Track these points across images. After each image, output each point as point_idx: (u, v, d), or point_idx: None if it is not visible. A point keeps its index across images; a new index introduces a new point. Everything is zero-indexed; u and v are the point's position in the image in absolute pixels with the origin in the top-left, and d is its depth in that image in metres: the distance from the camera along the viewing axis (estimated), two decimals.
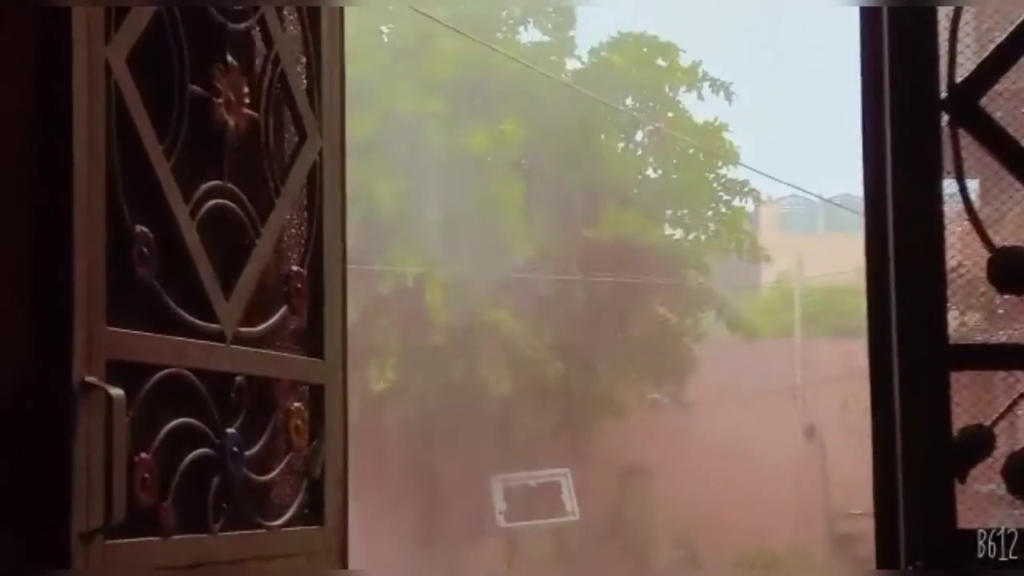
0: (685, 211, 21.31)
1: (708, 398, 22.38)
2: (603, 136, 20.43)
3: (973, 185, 2.73)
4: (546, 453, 21.20)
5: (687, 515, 22.69)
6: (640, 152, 21.35)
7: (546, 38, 21.04)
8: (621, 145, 20.79)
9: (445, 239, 19.04)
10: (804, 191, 26.09)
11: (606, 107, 20.15)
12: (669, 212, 21.36)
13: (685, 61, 21.09)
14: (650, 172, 21.23)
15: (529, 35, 21.00)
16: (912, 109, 2.53)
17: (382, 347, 18.97)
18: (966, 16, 2.56)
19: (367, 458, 19.66)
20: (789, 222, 40.44)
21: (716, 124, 21.10)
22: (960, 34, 2.54)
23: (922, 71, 2.54)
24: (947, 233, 2.67)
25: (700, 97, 21.07)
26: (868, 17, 2.57)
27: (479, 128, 18.88)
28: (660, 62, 21.02)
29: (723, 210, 21.26)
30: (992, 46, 2.56)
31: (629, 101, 20.78)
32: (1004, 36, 2.56)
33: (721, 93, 21.06)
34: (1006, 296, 2.62)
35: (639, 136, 21.28)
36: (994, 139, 2.57)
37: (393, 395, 19.18)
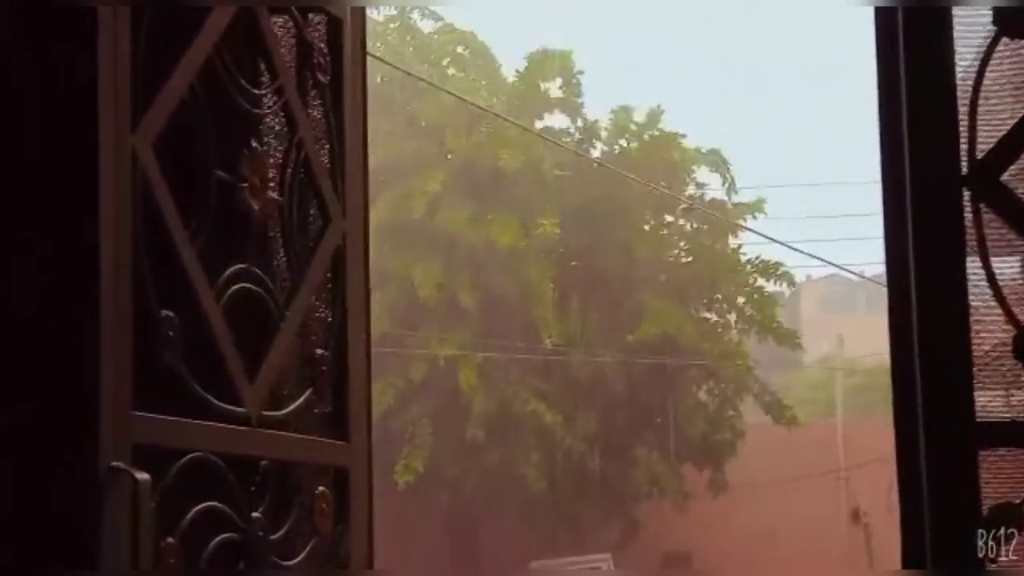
0: (719, 295, 21.24)
1: (750, 482, 22.20)
2: (634, 219, 20.46)
3: (1013, 262, 2.71)
4: (587, 539, 21.04)
5: None
6: (666, 233, 21.32)
7: (566, 123, 21.14)
8: (648, 227, 20.81)
9: (480, 324, 19.06)
10: (845, 269, 25.96)
11: (635, 190, 20.17)
12: (704, 298, 21.29)
13: (706, 143, 21.19)
14: (681, 255, 21.19)
15: (551, 120, 21.14)
16: (933, 186, 2.53)
17: (416, 435, 18.93)
18: (984, 92, 2.56)
19: (408, 544, 19.60)
20: (830, 302, 40.29)
21: (748, 203, 21.08)
22: (980, 110, 2.54)
23: (942, 148, 2.54)
24: (974, 311, 2.65)
25: (726, 183, 21.07)
26: (886, 92, 2.58)
27: (511, 220, 18.91)
28: (683, 146, 21.06)
29: (754, 295, 21.15)
30: (1012, 122, 2.56)
31: (657, 184, 20.85)
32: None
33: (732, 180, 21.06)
34: None
35: (668, 219, 21.31)
36: (1017, 215, 2.56)
37: (430, 483, 19.09)
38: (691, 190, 21.41)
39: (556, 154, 19.96)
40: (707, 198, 21.44)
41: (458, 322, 19.04)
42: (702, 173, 21.48)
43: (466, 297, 18.84)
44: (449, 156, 19.82)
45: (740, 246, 21.32)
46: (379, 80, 18.75)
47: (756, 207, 21.13)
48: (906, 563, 2.52)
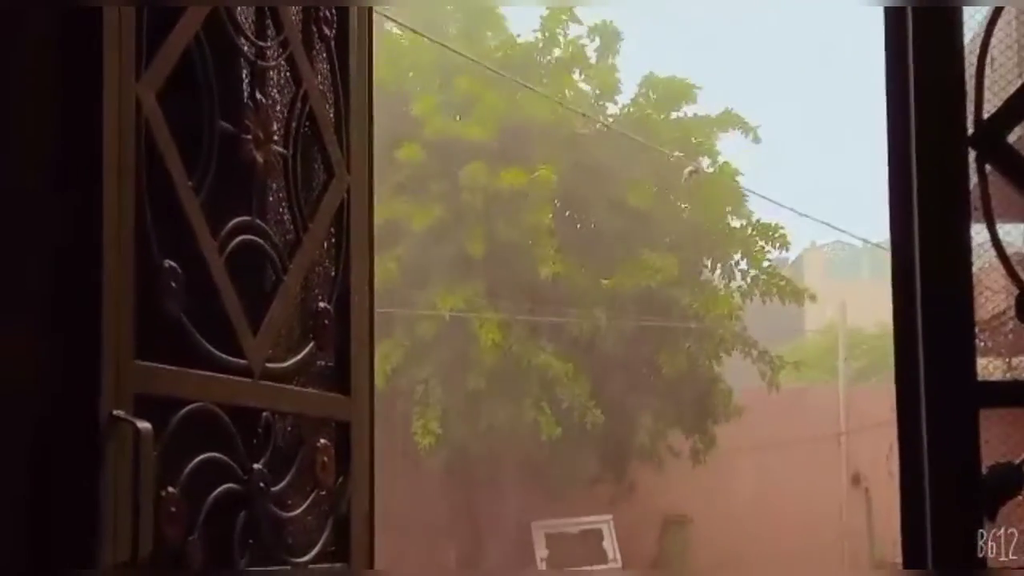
0: (719, 256, 21.25)
1: (752, 445, 22.27)
2: (640, 180, 20.45)
3: (1020, 226, 2.71)
4: (587, 500, 21.11)
5: (729, 563, 22.51)
6: (674, 198, 21.32)
7: (585, 86, 21.13)
8: (655, 190, 20.79)
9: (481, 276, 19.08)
10: (849, 234, 25.98)
11: (642, 150, 20.18)
12: (706, 258, 21.29)
13: (720, 106, 21.15)
14: (685, 215, 21.17)
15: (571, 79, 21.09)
16: (938, 146, 2.52)
17: (424, 390, 19.00)
18: (993, 52, 2.55)
19: (407, 503, 19.69)
20: (834, 267, 40.28)
21: (750, 168, 21.07)
22: (987, 70, 2.53)
23: (949, 108, 2.53)
24: (981, 274, 2.65)
25: (750, 136, 21.02)
26: (893, 55, 2.57)
27: (518, 169, 18.95)
28: (695, 109, 21.08)
29: (758, 258, 21.16)
30: (1020, 81, 2.56)
31: (665, 148, 20.82)
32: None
33: (750, 136, 21.07)
34: None
35: (675, 181, 21.29)
36: (1021, 175, 2.55)
37: (437, 439, 19.14)
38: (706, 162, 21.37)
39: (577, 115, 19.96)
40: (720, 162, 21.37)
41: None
42: (721, 140, 21.47)
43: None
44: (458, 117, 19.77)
45: (748, 214, 21.28)
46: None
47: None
48: (905, 520, 2.53)
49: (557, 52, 20.93)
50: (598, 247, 19.96)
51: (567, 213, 20.34)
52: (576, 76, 21.06)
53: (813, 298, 21.88)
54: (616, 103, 21.44)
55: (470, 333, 18.90)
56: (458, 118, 19.61)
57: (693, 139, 21.19)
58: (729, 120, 21.33)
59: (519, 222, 19.05)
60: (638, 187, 20.13)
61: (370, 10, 3.25)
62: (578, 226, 20.48)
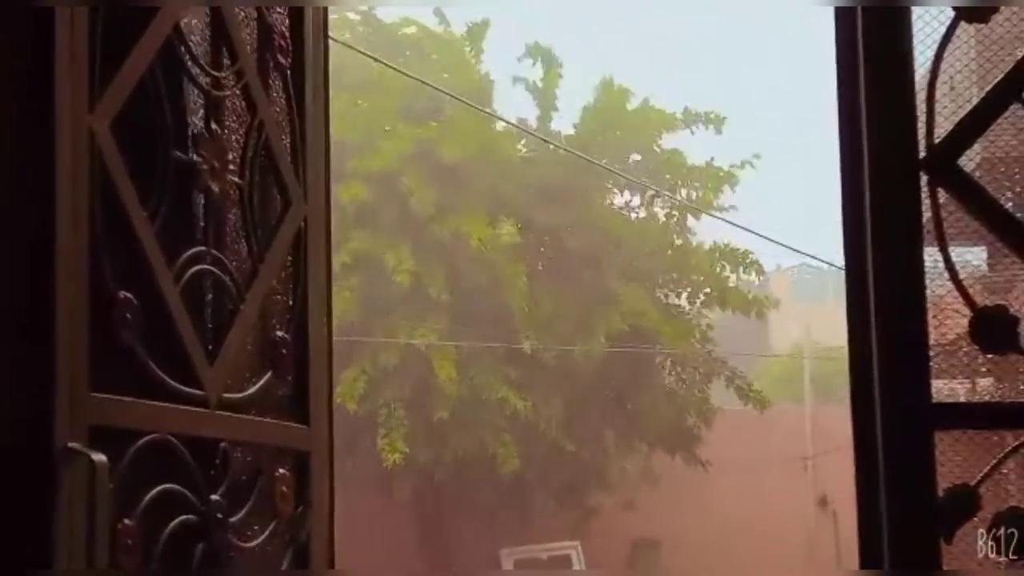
0: (687, 282, 21.27)
1: (719, 468, 22.28)
2: (602, 202, 20.44)
3: (979, 252, 2.73)
4: (555, 526, 21.08)
5: None
6: (636, 219, 21.32)
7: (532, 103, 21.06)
8: (622, 211, 20.80)
9: (449, 311, 19.02)
10: (815, 258, 26.08)
11: (601, 172, 20.14)
12: (672, 283, 21.31)
13: (677, 112, 21.08)
14: (648, 241, 21.15)
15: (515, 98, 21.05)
16: (889, 170, 2.54)
17: (388, 420, 18.91)
18: (943, 76, 2.57)
19: (376, 530, 19.60)
20: (799, 291, 40.43)
21: (719, 172, 21.01)
22: (937, 94, 2.55)
23: (900, 131, 2.55)
24: (938, 300, 2.67)
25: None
26: (845, 78, 2.59)
27: (477, 211, 18.84)
28: (651, 119, 20.99)
29: (726, 282, 21.21)
30: (969, 106, 2.58)
31: (629, 159, 20.77)
32: (981, 97, 2.58)
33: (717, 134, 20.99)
34: (989, 356, 2.61)
35: (636, 201, 21.31)
36: (973, 198, 2.57)
37: (402, 468, 19.05)
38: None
39: (521, 136, 19.93)
40: (688, 163, 21.27)
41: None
42: (677, 137, 21.37)
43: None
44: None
45: (711, 242, 21.29)
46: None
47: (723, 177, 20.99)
48: (863, 543, 2.54)
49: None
50: (565, 272, 19.93)
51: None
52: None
53: (776, 304, 21.94)
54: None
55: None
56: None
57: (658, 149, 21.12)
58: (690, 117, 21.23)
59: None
60: (603, 210, 20.14)
61: (326, 37, 3.25)
62: (541, 249, 20.42)
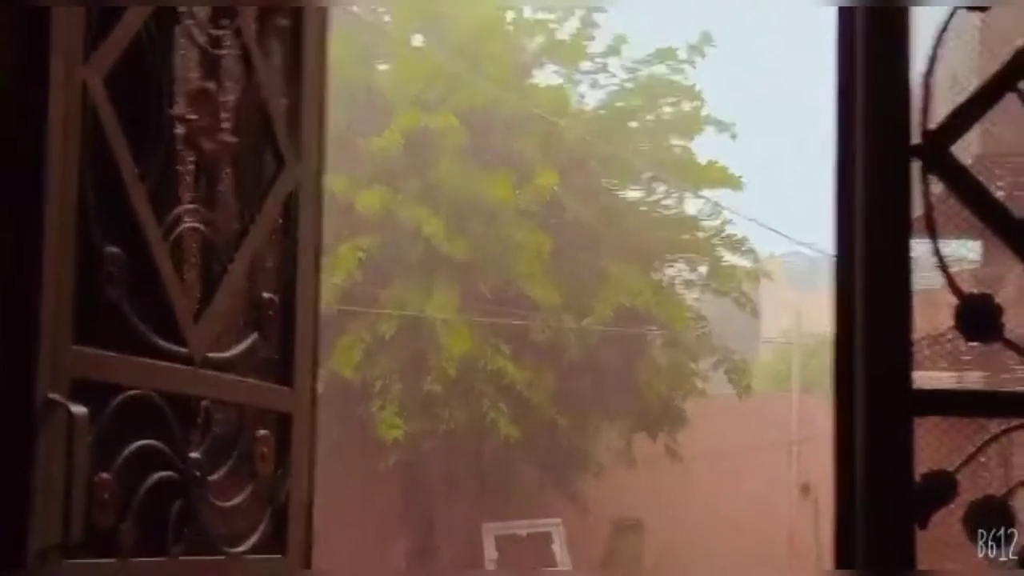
0: (683, 264, 21.32)
1: (704, 451, 22.32)
2: (612, 183, 20.45)
3: (975, 245, 2.73)
4: (538, 503, 21.11)
5: (679, 569, 22.57)
6: (643, 205, 21.35)
7: (559, 80, 21.02)
8: (634, 195, 20.82)
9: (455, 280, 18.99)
10: (808, 246, 26.11)
11: (616, 153, 20.16)
12: (668, 266, 21.34)
13: (690, 108, 21.08)
14: (651, 224, 21.18)
15: (544, 76, 21.00)
16: (884, 156, 2.53)
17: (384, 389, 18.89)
18: (945, 67, 2.56)
19: (361, 499, 19.63)
20: (791, 278, 40.44)
21: (718, 167, 21.02)
22: (939, 84, 2.54)
23: (894, 117, 2.54)
24: (927, 291, 2.67)
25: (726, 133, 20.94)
26: (843, 62, 2.58)
27: (501, 175, 18.80)
28: (667, 108, 21.03)
29: (722, 265, 21.26)
30: (966, 94, 2.57)
31: (642, 146, 20.78)
32: (977, 85, 2.57)
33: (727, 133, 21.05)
34: (972, 344, 2.61)
35: (645, 186, 21.31)
36: (965, 187, 2.57)
37: (393, 438, 19.03)
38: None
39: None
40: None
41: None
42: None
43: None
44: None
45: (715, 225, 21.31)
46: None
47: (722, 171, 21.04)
48: (838, 527, 2.54)
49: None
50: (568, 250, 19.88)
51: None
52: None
53: (768, 275, 22.02)
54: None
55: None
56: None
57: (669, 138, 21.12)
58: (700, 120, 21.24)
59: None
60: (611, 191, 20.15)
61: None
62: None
